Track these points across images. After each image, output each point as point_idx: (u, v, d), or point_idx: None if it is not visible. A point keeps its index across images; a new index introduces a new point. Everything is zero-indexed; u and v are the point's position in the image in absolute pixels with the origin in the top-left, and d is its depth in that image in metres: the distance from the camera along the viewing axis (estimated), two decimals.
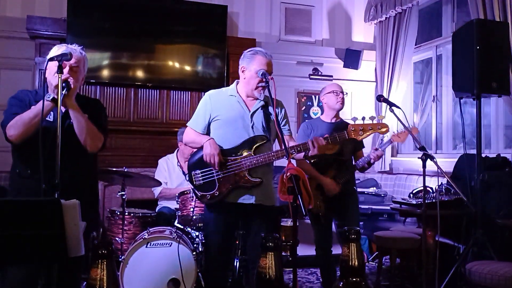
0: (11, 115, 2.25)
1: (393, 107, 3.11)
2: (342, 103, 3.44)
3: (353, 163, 3.43)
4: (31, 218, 1.50)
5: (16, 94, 2.38)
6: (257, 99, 2.72)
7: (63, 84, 2.12)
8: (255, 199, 2.64)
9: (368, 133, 2.73)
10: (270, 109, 2.74)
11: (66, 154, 2.03)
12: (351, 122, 2.97)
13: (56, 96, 2.12)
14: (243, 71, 2.73)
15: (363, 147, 3.56)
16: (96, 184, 2.60)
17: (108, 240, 0.84)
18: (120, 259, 3.25)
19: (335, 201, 3.32)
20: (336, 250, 3.41)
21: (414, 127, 3.44)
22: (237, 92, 2.75)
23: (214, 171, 2.63)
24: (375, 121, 2.84)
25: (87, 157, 2.37)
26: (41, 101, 2.19)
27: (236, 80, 2.83)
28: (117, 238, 3.56)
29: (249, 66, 2.69)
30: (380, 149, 3.34)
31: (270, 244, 0.80)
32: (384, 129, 2.83)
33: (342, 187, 3.32)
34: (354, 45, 6.23)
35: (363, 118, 2.86)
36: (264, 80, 2.61)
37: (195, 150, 2.78)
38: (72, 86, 2.20)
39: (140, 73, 5.22)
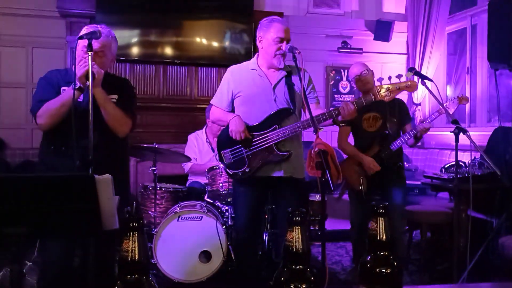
0: (38, 103, 2.28)
1: (425, 80, 3.03)
2: (364, 85, 3.25)
3: (401, 137, 3.26)
4: (66, 193, 1.56)
5: (45, 74, 2.41)
6: (279, 69, 2.69)
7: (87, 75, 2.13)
8: (284, 172, 2.64)
9: (395, 93, 2.61)
10: (293, 78, 2.68)
11: (96, 133, 2.08)
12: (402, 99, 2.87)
13: (82, 85, 2.16)
14: (260, 41, 2.68)
15: (410, 120, 3.37)
16: (127, 162, 2.66)
17: (139, 214, 0.87)
18: (153, 232, 3.35)
19: (379, 178, 3.21)
20: None
21: (464, 96, 3.24)
22: (258, 65, 2.71)
23: (242, 148, 2.65)
24: (402, 80, 2.72)
25: (116, 137, 2.41)
26: (68, 89, 2.23)
27: (256, 53, 2.79)
28: (150, 212, 3.66)
29: (266, 34, 2.64)
30: (426, 121, 3.15)
31: (297, 218, 0.81)
32: (411, 86, 2.65)
33: (386, 163, 3.20)
34: (384, 16, 6.06)
35: (389, 78, 2.76)
36: (285, 51, 2.57)
37: (223, 127, 2.80)
38: (96, 75, 2.20)
39: (168, 50, 5.24)
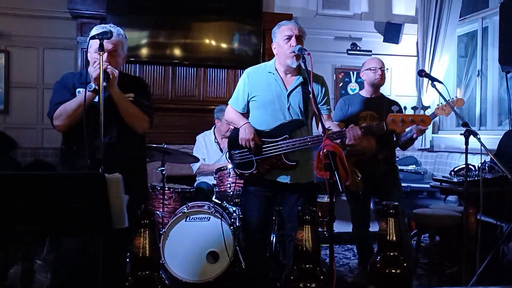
0: (55, 106, 2.31)
1: (435, 82, 3.01)
2: (382, 79, 3.32)
3: (394, 139, 3.31)
4: (76, 192, 1.57)
5: (61, 78, 2.43)
6: (296, 75, 2.69)
7: (103, 75, 2.15)
8: (290, 179, 2.67)
9: (408, 125, 2.65)
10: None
11: (115, 132, 2.10)
12: (390, 97, 2.91)
13: (97, 87, 2.17)
14: (274, 48, 2.72)
15: None
16: (145, 160, 2.70)
17: (150, 210, 0.87)
18: (161, 232, 3.36)
19: (375, 179, 3.23)
20: (374, 227, 3.36)
21: (460, 98, 3.26)
22: (276, 69, 2.73)
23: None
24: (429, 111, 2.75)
25: (135, 136, 2.45)
26: (83, 91, 2.24)
27: (275, 57, 2.80)
28: (158, 212, 3.68)
29: (277, 38, 2.67)
30: None
31: (307, 217, 0.81)
32: (425, 121, 2.71)
33: (382, 164, 3.23)
34: (394, 18, 6.03)
35: (424, 107, 2.80)
36: (295, 46, 2.57)
37: (233, 128, 2.82)
38: (111, 76, 2.23)
39: (177, 51, 5.27)
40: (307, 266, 0.82)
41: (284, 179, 2.67)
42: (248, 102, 2.76)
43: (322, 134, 2.42)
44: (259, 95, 2.71)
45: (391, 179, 3.32)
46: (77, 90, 2.36)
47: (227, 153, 2.79)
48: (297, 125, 2.66)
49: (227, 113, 2.88)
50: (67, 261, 2.29)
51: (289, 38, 2.60)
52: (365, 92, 3.41)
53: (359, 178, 3.20)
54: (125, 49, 2.46)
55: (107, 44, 2.26)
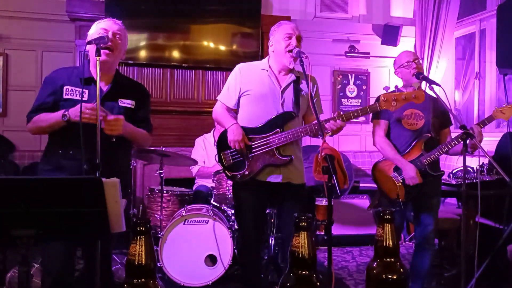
0: (32, 113, 2.28)
1: (432, 85, 3.01)
2: (420, 71, 2.97)
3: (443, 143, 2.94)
4: (74, 196, 1.56)
5: (51, 74, 2.36)
6: (289, 73, 2.67)
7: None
8: (282, 178, 2.60)
9: (401, 103, 2.54)
10: (301, 85, 2.68)
11: (102, 138, 2.06)
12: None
13: (71, 119, 2.13)
14: (271, 45, 2.68)
15: (451, 124, 3.11)
16: (129, 167, 2.65)
17: (146, 217, 0.87)
18: (159, 235, 3.36)
19: (418, 187, 2.87)
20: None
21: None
22: (269, 67, 2.69)
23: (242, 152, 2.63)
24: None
25: (123, 142, 2.36)
26: (57, 114, 2.19)
27: (268, 56, 2.77)
28: (156, 215, 3.67)
29: (276, 36, 2.64)
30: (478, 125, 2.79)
31: (303, 223, 0.81)
32: (418, 96, 2.56)
33: (429, 169, 2.88)
34: (392, 20, 6.04)
35: (396, 87, 2.66)
36: (294, 47, 2.54)
37: (223, 130, 2.77)
38: (114, 132, 2.17)
39: (176, 54, 5.27)
40: (304, 272, 0.82)
41: (276, 178, 2.60)
42: (239, 97, 2.70)
43: (320, 137, 2.42)
44: (252, 90, 2.65)
45: (434, 188, 3.00)
46: (65, 87, 2.27)
47: (216, 155, 2.73)
48: (288, 118, 2.60)
49: (215, 110, 2.78)
50: (54, 268, 2.23)
51: (290, 37, 2.59)
52: (405, 89, 3.06)
53: (400, 184, 2.90)
54: (126, 43, 2.42)
55: (114, 26, 2.29)
